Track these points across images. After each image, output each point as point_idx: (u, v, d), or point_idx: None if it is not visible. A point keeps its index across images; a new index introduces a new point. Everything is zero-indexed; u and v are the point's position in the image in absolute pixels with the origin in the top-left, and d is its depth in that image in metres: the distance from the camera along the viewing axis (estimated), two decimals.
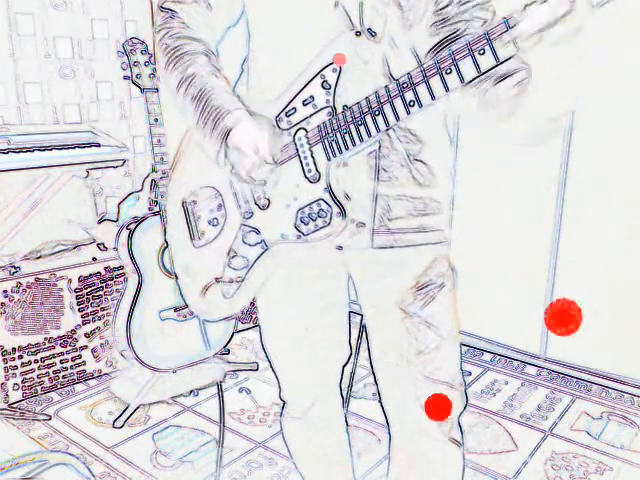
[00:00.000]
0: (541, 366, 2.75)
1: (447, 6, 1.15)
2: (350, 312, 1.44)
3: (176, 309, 2.36)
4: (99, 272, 2.60)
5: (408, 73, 1.10)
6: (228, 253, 1.33)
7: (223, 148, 1.25)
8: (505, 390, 2.63)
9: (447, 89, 1.07)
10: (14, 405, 2.43)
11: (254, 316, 3.16)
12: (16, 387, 2.44)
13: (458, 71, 1.05)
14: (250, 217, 1.30)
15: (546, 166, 2.53)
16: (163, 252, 2.34)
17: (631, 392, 2.52)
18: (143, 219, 2.31)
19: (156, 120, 2.24)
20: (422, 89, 1.09)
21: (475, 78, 1.06)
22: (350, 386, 2.03)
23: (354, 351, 1.94)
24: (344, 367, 1.49)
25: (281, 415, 1.56)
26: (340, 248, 1.28)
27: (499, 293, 2.66)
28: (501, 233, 2.62)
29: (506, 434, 2.31)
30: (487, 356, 2.86)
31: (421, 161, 1.24)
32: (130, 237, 2.27)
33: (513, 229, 2.61)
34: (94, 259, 2.59)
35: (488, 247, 2.59)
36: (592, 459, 2.16)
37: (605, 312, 2.44)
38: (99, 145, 2.60)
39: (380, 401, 1.42)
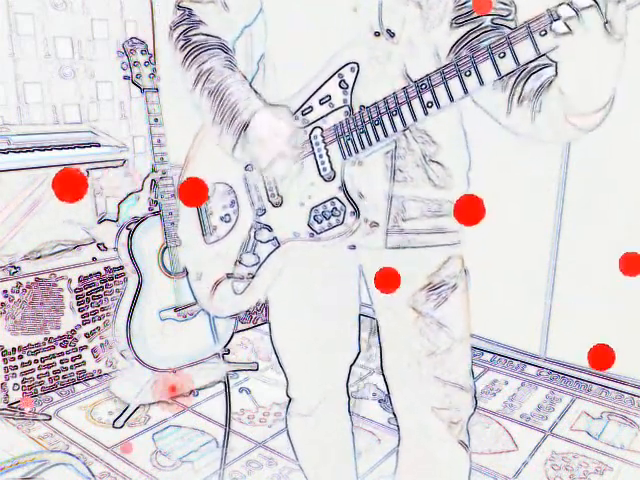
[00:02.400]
0: (541, 366, 2.75)
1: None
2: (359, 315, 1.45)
3: (176, 309, 2.36)
4: (99, 272, 2.60)
5: (427, 74, 1.09)
6: (240, 249, 1.33)
7: (240, 142, 1.24)
8: (505, 390, 2.63)
9: (466, 91, 1.07)
10: (14, 405, 2.43)
11: (254, 316, 3.16)
12: (16, 387, 2.44)
13: (478, 74, 1.04)
14: (263, 214, 1.29)
15: (546, 166, 2.53)
16: (163, 252, 2.34)
17: (631, 392, 2.52)
18: (143, 219, 2.31)
19: (156, 120, 2.24)
20: (441, 90, 1.08)
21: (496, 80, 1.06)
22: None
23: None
24: (351, 367, 1.49)
25: (287, 412, 1.56)
26: (353, 247, 1.28)
27: (499, 293, 2.66)
28: (501, 233, 2.62)
29: (506, 434, 2.31)
30: (487, 356, 2.87)
31: (437, 162, 1.24)
32: (130, 237, 2.27)
33: (513, 229, 2.61)
34: (94, 259, 2.59)
35: (488, 247, 2.59)
36: (592, 459, 2.16)
37: (605, 312, 2.44)
38: (99, 145, 2.60)
39: (385, 400, 1.43)
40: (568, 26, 0.96)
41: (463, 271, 1.33)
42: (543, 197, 2.57)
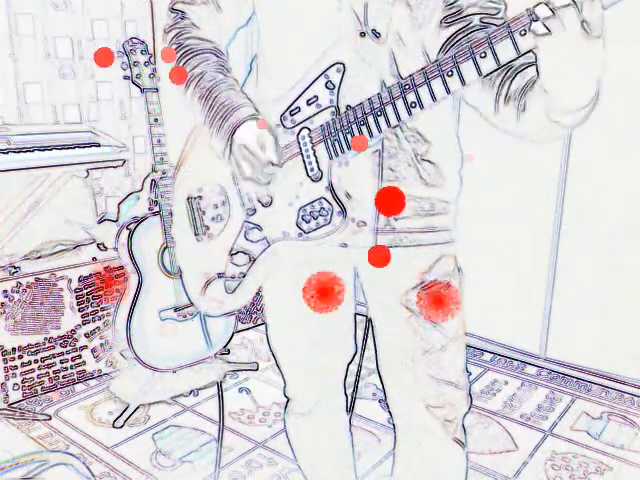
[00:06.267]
0: (541, 366, 2.75)
1: None
2: (355, 314, 1.45)
3: (176, 309, 2.36)
4: (99, 272, 2.60)
5: (410, 75, 1.10)
6: (231, 249, 1.33)
7: (229, 146, 1.25)
8: (505, 390, 2.63)
9: (448, 91, 1.08)
10: (14, 405, 2.43)
11: (254, 316, 3.16)
12: (16, 387, 2.44)
13: (459, 74, 1.05)
14: (253, 214, 1.30)
15: (546, 166, 2.53)
16: (163, 252, 2.34)
17: (631, 392, 2.52)
18: (143, 219, 2.31)
19: (156, 120, 2.24)
20: (423, 91, 1.09)
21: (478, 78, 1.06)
22: (355, 389, 2.03)
23: (359, 353, 1.94)
24: (348, 365, 1.49)
25: (284, 412, 1.56)
26: (345, 245, 1.28)
27: (499, 293, 2.66)
28: (501, 233, 2.62)
29: (506, 434, 2.31)
30: (487, 356, 2.86)
31: (429, 161, 1.24)
32: (130, 237, 2.27)
33: (513, 229, 2.61)
34: (94, 259, 2.59)
35: (488, 247, 2.59)
36: (592, 459, 2.16)
37: (605, 312, 2.44)
38: (99, 145, 2.60)
39: (385, 400, 1.42)
40: (547, 27, 0.97)
41: (456, 269, 1.33)
42: (543, 197, 2.57)
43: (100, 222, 2.69)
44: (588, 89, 1.03)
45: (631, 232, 2.35)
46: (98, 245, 2.63)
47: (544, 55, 1.01)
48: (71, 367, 2.58)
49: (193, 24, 1.33)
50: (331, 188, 1.21)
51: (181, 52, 1.32)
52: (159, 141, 2.26)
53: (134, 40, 2.26)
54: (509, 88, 1.12)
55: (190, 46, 1.31)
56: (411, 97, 1.10)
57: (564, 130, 1.10)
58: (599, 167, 2.41)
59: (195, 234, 1.39)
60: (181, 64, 1.31)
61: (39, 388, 2.50)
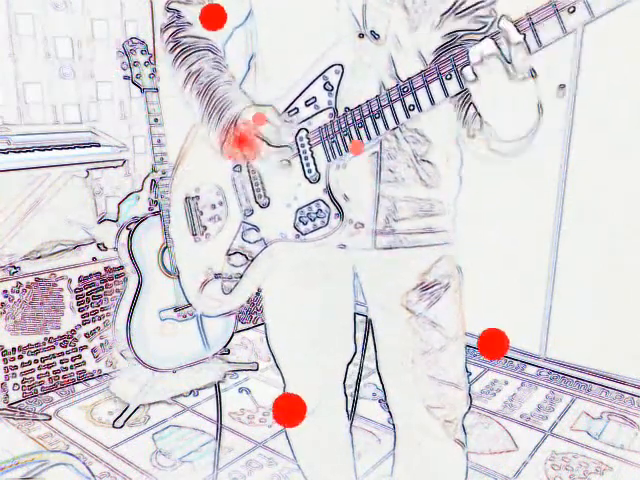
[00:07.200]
0: (541, 366, 2.75)
1: (452, 7, 1.15)
2: (355, 313, 1.45)
3: (176, 309, 2.36)
4: (99, 272, 2.60)
5: (409, 77, 1.10)
6: (228, 249, 1.33)
7: (228, 140, 1.25)
8: (505, 390, 2.63)
9: (447, 94, 1.08)
10: (14, 405, 2.43)
11: (254, 316, 3.16)
12: (16, 387, 2.44)
13: (458, 77, 1.05)
14: (250, 215, 1.30)
15: (546, 166, 2.53)
16: (163, 252, 2.34)
17: (631, 392, 2.52)
18: (143, 219, 2.31)
19: (156, 120, 2.24)
20: (422, 94, 1.09)
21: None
22: (357, 390, 2.04)
23: (360, 355, 1.94)
24: (348, 365, 1.49)
25: None
26: (343, 246, 1.28)
27: (499, 293, 2.66)
28: (501, 233, 2.62)
29: (506, 434, 2.31)
30: None
31: (428, 161, 1.24)
32: (130, 237, 2.28)
33: (513, 229, 2.61)
34: (94, 259, 2.59)
35: (488, 247, 2.59)
36: (592, 459, 2.16)
37: (605, 312, 2.44)
38: (99, 145, 2.60)
39: (385, 400, 1.43)
40: (475, 73, 1.01)
41: (456, 270, 1.33)
42: (543, 197, 2.57)
43: (100, 222, 2.69)
44: (522, 123, 1.08)
45: (631, 232, 2.35)
46: (98, 245, 2.63)
47: (476, 96, 1.06)
48: (71, 367, 2.58)
49: (189, 22, 1.33)
50: (329, 190, 1.21)
51: (178, 49, 1.32)
52: (159, 141, 2.26)
53: (134, 40, 2.26)
54: (467, 112, 1.17)
55: (187, 44, 1.32)
56: (409, 100, 1.10)
57: (504, 158, 1.16)
58: (599, 167, 2.41)
59: (193, 234, 1.39)
60: (177, 62, 1.32)
61: (39, 388, 2.51)
